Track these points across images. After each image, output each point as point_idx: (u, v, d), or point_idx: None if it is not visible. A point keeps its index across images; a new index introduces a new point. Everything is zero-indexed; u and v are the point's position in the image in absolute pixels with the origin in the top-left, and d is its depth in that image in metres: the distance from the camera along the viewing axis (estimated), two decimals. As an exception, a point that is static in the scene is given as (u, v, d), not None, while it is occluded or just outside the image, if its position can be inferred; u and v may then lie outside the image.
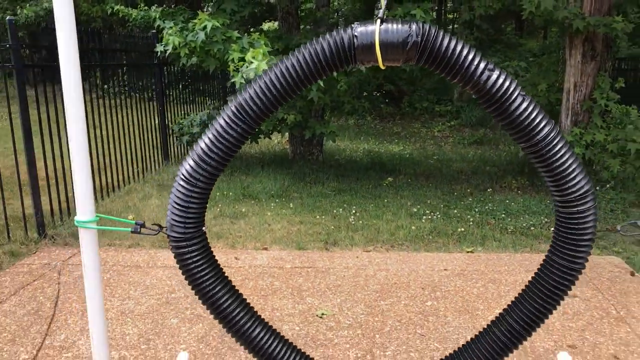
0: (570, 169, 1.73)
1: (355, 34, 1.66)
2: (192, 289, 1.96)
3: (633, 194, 6.16)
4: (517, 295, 2.01)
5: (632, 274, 4.09)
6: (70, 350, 3.12)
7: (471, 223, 5.23)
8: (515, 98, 1.67)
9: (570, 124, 6.78)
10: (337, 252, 4.58)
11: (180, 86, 8.98)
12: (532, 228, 5.09)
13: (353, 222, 5.23)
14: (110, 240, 4.83)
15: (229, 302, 1.94)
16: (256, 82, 1.73)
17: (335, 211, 5.57)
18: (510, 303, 2.00)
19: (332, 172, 7.17)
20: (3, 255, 4.45)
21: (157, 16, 6.62)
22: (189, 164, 1.82)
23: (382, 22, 1.65)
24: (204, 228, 1.93)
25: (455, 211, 5.59)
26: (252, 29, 9.19)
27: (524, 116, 1.67)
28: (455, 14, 19.00)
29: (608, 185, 6.42)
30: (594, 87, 6.68)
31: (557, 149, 1.71)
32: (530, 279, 1.99)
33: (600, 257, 4.48)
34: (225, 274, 2.00)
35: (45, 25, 12.06)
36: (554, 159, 1.71)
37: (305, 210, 5.59)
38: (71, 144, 1.87)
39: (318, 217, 5.39)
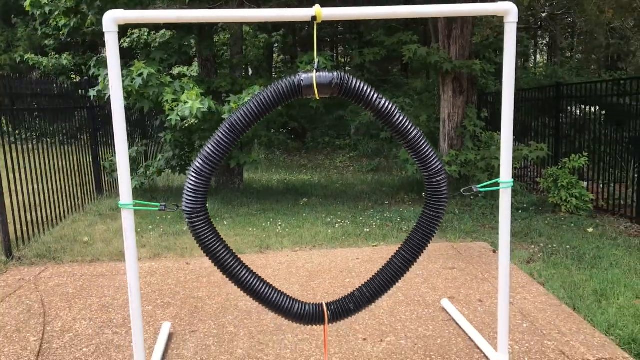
0: (430, 155, 2.93)
1: (302, 78, 2.79)
2: (200, 246, 2.94)
3: (497, 200, 7.68)
4: (406, 237, 3.17)
5: (494, 252, 5.46)
6: (70, 332, 3.92)
7: (374, 226, 6.48)
8: (395, 114, 2.86)
9: (447, 147, 8.30)
10: (270, 253, 5.62)
11: (95, 127, 9.64)
12: (421, 227, 6.42)
13: (280, 232, 6.31)
14: (72, 257, 5.58)
15: (225, 254, 2.95)
16: (243, 107, 2.80)
17: (264, 225, 6.62)
18: (402, 242, 3.15)
19: (254, 197, 8.24)
20: (-22, 275, 5.09)
21: (92, 64, 7.41)
22: (199, 162, 2.84)
23: (317, 71, 2.79)
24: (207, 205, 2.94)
25: (361, 219, 6.83)
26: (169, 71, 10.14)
27: (401, 124, 2.86)
28: (347, 58, 20.86)
29: (480, 195, 7.94)
30: (464, 116, 8.27)
31: (421, 143, 2.91)
32: (414, 226, 3.16)
33: (473, 243, 5.84)
34: (221, 236, 3.01)
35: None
36: (421, 149, 2.91)
37: (238, 226, 6.59)
38: (118, 155, 2.84)
39: (250, 229, 6.42)
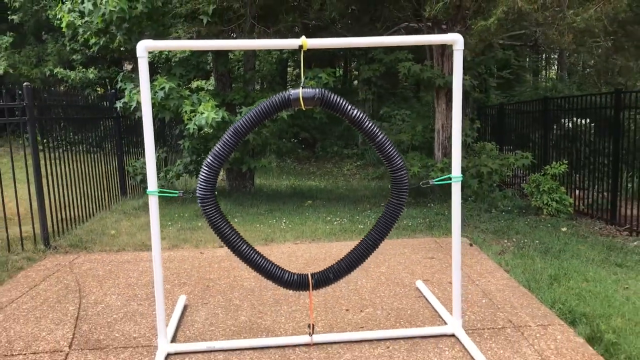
0: (394, 154, 3.67)
1: (291, 94, 3.55)
2: (209, 225, 3.70)
3: (486, 204, 8.39)
4: (376, 220, 3.90)
5: (471, 245, 6.17)
6: (102, 303, 4.70)
7: (369, 224, 7.21)
8: (365, 121, 3.61)
9: (441, 155, 9.02)
10: (274, 245, 6.38)
11: (120, 135, 10.49)
12: (410, 225, 7.15)
13: (284, 227, 7.08)
14: (101, 247, 6.39)
15: (228, 231, 3.71)
16: (246, 115, 3.57)
17: (270, 222, 7.40)
18: (374, 225, 3.89)
19: (264, 199, 9.02)
20: (22, 260, 5.91)
21: (119, 79, 8.27)
22: (209, 158, 3.60)
23: (303, 88, 3.56)
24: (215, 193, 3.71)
25: (358, 218, 7.58)
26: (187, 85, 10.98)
27: (370, 129, 3.61)
28: (358, 72, 21.68)
29: (469, 199, 8.63)
30: (457, 127, 8.97)
31: (387, 144, 3.65)
32: (382, 213, 3.89)
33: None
34: (226, 218, 3.77)
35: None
36: (386, 149, 3.65)
37: (247, 223, 7.37)
38: (147, 153, 3.62)
39: (258, 226, 7.19)
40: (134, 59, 15.74)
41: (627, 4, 5.02)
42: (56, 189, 6.72)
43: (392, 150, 3.67)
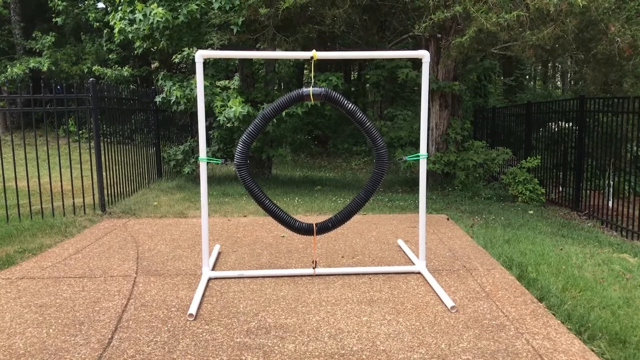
0: (378, 137, 5.05)
1: (304, 90, 4.96)
2: (242, 184, 5.10)
3: (470, 192, 9.74)
4: (364, 185, 5.28)
5: (448, 219, 7.53)
6: (154, 250, 6.14)
7: (368, 203, 8.60)
8: (357, 112, 4.99)
9: (435, 150, 10.38)
10: (287, 216, 7.78)
11: (158, 126, 11.95)
12: (402, 205, 8.53)
13: (296, 204, 8.50)
14: (147, 214, 7.85)
15: (256, 189, 5.11)
16: (272, 104, 4.97)
17: (284, 200, 8.82)
18: (361, 189, 5.27)
19: (279, 184, 10.46)
20: (85, 221, 7.38)
21: (160, 77, 9.74)
22: (244, 136, 5.01)
23: (313, 86, 4.95)
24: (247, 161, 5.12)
25: (359, 199, 8.97)
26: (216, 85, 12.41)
27: (361, 118, 5.00)
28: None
29: (457, 188, 9.99)
30: (448, 126, 10.34)
31: (373, 130, 5.04)
32: (368, 179, 5.27)
33: (436, 215, 7.91)
34: (255, 180, 5.17)
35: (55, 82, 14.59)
36: (372, 133, 5.04)
37: (265, 200, 8.79)
38: (200, 134, 5.04)
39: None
40: (163, 60, 17.20)
41: (574, 25, 6.33)
42: (108, 168, 8.19)
43: (376, 134, 5.06)
